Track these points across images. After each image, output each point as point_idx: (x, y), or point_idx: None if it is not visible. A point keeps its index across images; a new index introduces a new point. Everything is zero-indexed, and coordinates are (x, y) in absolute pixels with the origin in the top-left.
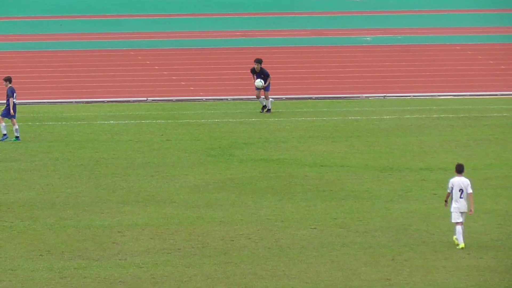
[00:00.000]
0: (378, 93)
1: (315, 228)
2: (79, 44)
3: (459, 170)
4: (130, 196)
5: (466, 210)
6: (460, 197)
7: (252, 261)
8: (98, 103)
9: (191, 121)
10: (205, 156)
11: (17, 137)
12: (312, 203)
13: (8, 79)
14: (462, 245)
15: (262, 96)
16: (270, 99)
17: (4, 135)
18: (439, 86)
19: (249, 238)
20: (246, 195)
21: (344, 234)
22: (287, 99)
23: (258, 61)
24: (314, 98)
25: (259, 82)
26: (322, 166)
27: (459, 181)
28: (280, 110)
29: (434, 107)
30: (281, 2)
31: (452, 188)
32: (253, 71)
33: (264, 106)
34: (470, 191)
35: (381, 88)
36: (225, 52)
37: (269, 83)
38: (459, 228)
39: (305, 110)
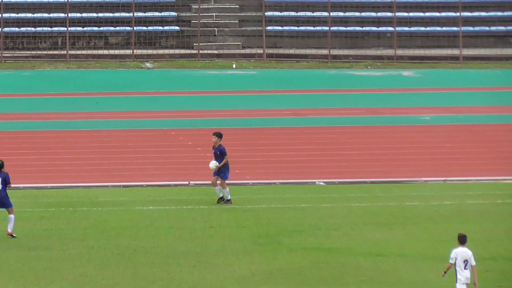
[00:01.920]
0: (437, 177)
1: None
2: (116, 123)
3: (462, 241)
4: None
5: (470, 282)
6: (465, 268)
7: None
8: (137, 187)
9: (236, 206)
10: (252, 245)
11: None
12: None
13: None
14: None
15: (218, 186)
16: (227, 190)
17: None
18: (504, 169)
19: None
20: (296, 286)
21: None
22: (339, 183)
23: (217, 134)
24: (369, 182)
25: (212, 164)
26: (377, 255)
27: (462, 252)
28: (332, 195)
29: (498, 192)
30: (332, 79)
31: (455, 259)
32: (213, 147)
33: (221, 198)
34: (474, 263)
35: (441, 171)
36: (274, 132)
37: (226, 167)
38: None
39: (359, 195)
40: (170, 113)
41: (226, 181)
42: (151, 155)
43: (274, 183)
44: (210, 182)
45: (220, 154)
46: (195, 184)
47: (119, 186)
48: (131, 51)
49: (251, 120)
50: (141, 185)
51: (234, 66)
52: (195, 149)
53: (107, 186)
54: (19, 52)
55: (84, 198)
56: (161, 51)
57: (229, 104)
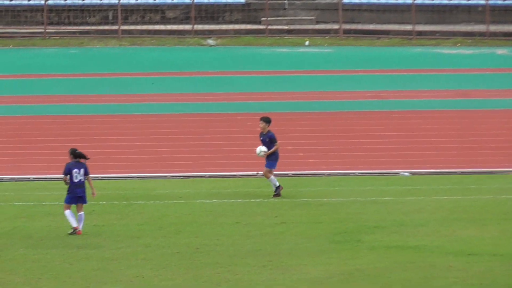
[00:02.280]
0: None
1: None
2: (175, 106)
3: None
4: None
5: None
6: None
7: None
8: (198, 178)
9: (311, 200)
10: (328, 243)
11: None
12: None
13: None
14: None
15: (271, 176)
16: (273, 177)
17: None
18: None
19: None
20: None
21: None
22: (426, 173)
23: (264, 119)
24: (459, 172)
25: (259, 150)
26: (469, 254)
27: None
28: (418, 187)
29: None
30: (417, 57)
31: None
32: (261, 134)
33: (278, 187)
34: None
35: None
36: (352, 116)
37: (276, 155)
38: None
39: (448, 187)
40: (235, 96)
41: (271, 170)
42: (214, 142)
43: (353, 174)
44: (280, 172)
45: (269, 141)
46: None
47: (179, 177)
48: (191, 26)
49: (327, 103)
50: (204, 176)
51: (306, 43)
52: None
53: (165, 177)
54: (65, 28)
55: (139, 190)
56: (224, 27)
57: (301, 86)
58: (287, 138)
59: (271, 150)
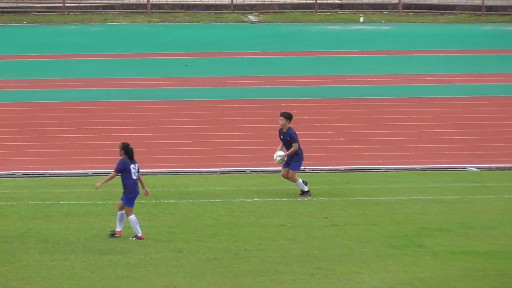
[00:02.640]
0: None
1: None
2: (211, 91)
3: None
4: None
5: None
6: None
7: None
8: (238, 174)
9: (366, 198)
10: (385, 247)
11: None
12: None
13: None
14: None
15: (300, 179)
16: (300, 181)
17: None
18: None
19: None
20: None
21: None
22: (497, 169)
23: (285, 115)
24: None
25: (276, 156)
26: None
27: None
28: (488, 184)
29: None
30: (487, 36)
31: None
32: (280, 132)
33: (306, 191)
34: None
35: None
36: (413, 103)
37: (299, 156)
38: None
39: None
40: (279, 79)
41: (296, 172)
42: (256, 133)
43: (414, 169)
44: (331, 167)
45: (290, 140)
46: (313, 170)
47: (215, 172)
48: (230, 0)
49: (383, 88)
50: (244, 171)
51: (361, 19)
52: (313, 125)
53: (200, 172)
54: (86, 2)
55: (170, 187)
56: (268, 1)
57: (354, 68)
58: (338, 128)
59: (288, 153)
